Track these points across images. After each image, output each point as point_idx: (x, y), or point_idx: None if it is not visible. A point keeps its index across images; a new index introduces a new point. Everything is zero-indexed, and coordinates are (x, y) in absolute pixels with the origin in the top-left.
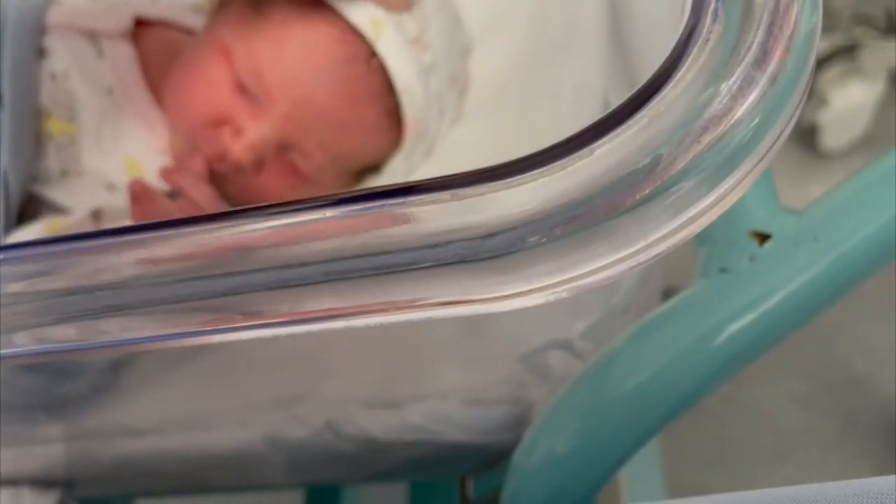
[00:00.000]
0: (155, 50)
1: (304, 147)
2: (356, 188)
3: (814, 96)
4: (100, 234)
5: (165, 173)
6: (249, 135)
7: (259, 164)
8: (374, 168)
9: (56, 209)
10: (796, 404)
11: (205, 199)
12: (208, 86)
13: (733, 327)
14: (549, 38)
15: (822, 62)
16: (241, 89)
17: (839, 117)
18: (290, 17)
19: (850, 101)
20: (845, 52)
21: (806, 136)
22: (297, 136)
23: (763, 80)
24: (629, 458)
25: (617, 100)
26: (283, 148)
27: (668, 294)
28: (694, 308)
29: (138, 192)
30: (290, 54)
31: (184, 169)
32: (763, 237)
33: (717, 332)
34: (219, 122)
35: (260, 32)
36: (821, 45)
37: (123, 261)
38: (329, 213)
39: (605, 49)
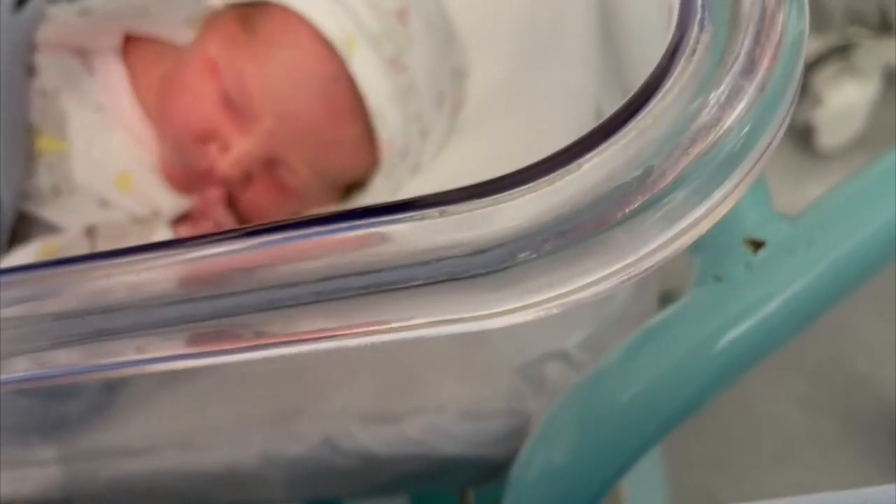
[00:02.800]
0: (145, 66)
1: (289, 162)
2: (343, 203)
3: (808, 96)
4: (92, 258)
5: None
6: (236, 150)
7: (247, 178)
8: (361, 185)
9: (48, 228)
10: (798, 405)
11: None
12: (196, 101)
13: (729, 336)
14: (539, 43)
15: (816, 62)
16: (229, 105)
17: (834, 117)
18: (275, 35)
19: (844, 101)
20: (839, 52)
21: (802, 137)
22: (282, 152)
23: (751, 89)
24: (629, 468)
25: (609, 103)
26: (269, 163)
27: (665, 298)
28: (689, 317)
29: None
30: (274, 71)
31: (206, 200)
32: (757, 244)
33: (713, 341)
34: (206, 138)
35: (247, 49)
36: (814, 44)
37: (115, 284)
38: (319, 231)
39: (594, 52)
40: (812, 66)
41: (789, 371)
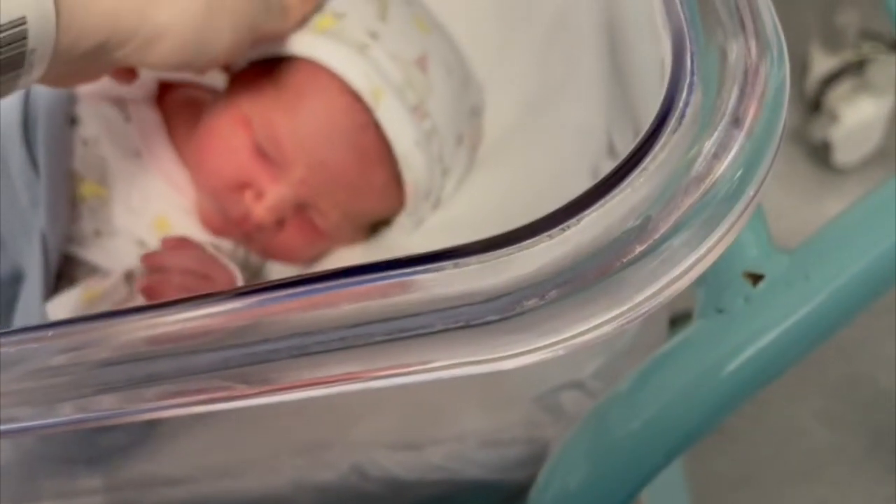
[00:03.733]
0: (179, 111)
1: (320, 207)
2: (368, 240)
3: (824, 113)
4: (132, 311)
5: (146, 258)
6: (270, 197)
7: (280, 222)
8: (386, 222)
9: (91, 268)
10: (822, 422)
11: (192, 260)
12: (230, 153)
13: (730, 366)
14: (551, 81)
15: (832, 79)
16: (261, 155)
17: (851, 133)
18: (305, 88)
19: (861, 117)
20: (854, 68)
21: (819, 153)
22: (313, 197)
23: (740, 138)
24: (639, 491)
25: (620, 136)
26: (301, 207)
27: (675, 320)
28: (693, 348)
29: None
30: (304, 122)
31: (163, 251)
32: (756, 277)
33: (715, 370)
34: (241, 186)
35: (276, 102)
36: (829, 62)
37: (154, 335)
38: (346, 283)
39: (604, 88)
40: (827, 83)
41: (812, 388)
